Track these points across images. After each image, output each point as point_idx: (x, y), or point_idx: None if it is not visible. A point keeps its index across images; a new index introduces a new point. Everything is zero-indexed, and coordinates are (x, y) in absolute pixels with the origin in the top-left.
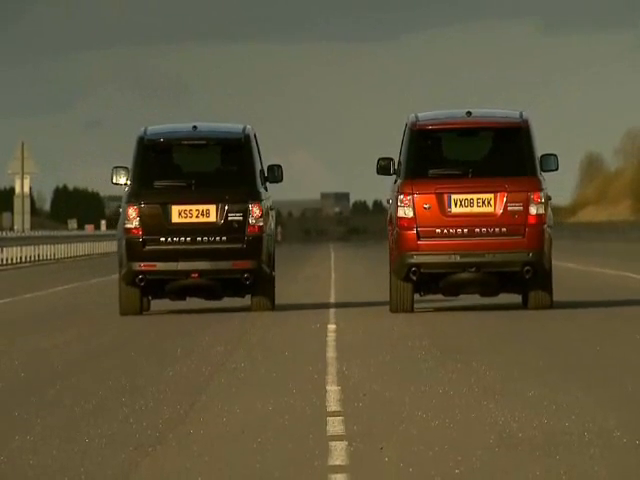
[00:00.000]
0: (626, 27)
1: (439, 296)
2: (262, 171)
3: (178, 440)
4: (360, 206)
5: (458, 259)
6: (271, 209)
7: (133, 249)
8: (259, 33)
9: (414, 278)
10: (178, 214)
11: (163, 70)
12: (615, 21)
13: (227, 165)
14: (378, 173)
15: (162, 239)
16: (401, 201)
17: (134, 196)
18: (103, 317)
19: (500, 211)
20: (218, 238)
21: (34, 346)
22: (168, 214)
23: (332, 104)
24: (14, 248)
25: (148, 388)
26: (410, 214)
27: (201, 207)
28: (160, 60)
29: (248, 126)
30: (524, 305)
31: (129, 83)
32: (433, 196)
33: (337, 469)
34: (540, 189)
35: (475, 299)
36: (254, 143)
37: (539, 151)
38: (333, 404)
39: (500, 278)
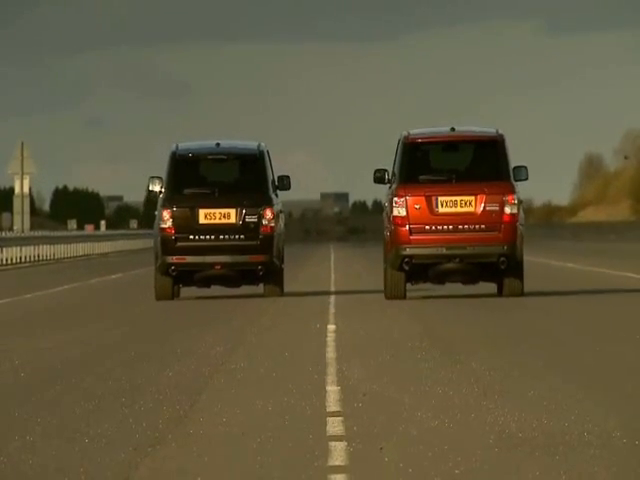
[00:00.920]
0: (626, 27)
1: (428, 285)
2: (273, 181)
3: (178, 440)
4: (360, 206)
5: (444, 251)
6: (281, 212)
7: (167, 245)
8: (260, 33)
9: (407, 268)
10: (204, 216)
11: (164, 70)
12: (615, 21)
13: (244, 176)
14: (374, 182)
15: (191, 237)
16: (396, 202)
17: (168, 201)
18: (103, 318)
19: (480, 211)
20: (237, 236)
21: (34, 346)
22: (196, 216)
23: (332, 104)
24: (14, 248)
25: (148, 388)
26: (403, 213)
27: (223, 211)
28: (161, 60)
29: (262, 143)
30: (499, 293)
31: (130, 83)
32: (423, 198)
33: (337, 469)
34: (513, 192)
35: (458, 289)
36: (267, 157)
37: (512, 163)
38: (333, 404)
39: (479, 268)
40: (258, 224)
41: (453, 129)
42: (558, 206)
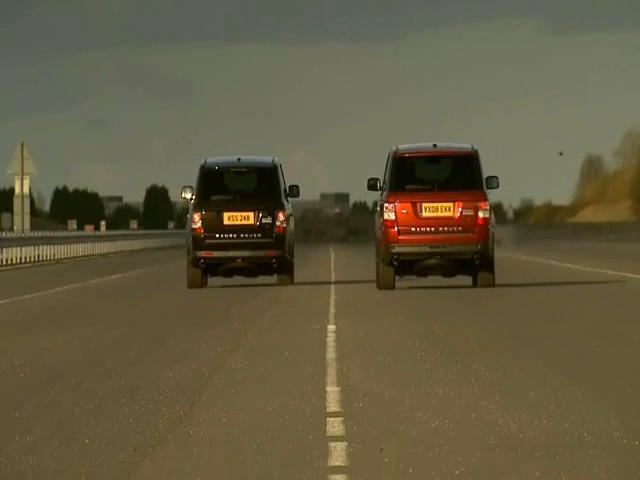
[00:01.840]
0: (627, 28)
1: (414, 277)
2: (285, 189)
3: (178, 441)
4: (360, 207)
5: (427, 249)
6: (291, 215)
7: (197, 242)
8: (261, 34)
9: (395, 263)
10: (227, 218)
11: (165, 70)
12: (615, 22)
13: (261, 185)
14: (368, 189)
15: (217, 235)
16: (386, 207)
17: (198, 206)
18: (103, 318)
19: (457, 215)
20: (255, 235)
21: (34, 346)
22: (221, 218)
23: (332, 105)
24: (14, 249)
25: (148, 388)
26: (393, 217)
27: (243, 214)
28: (162, 60)
29: (276, 158)
30: (474, 284)
31: (130, 83)
32: (409, 204)
33: (337, 470)
34: (485, 199)
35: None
36: (280, 170)
37: (485, 173)
38: (333, 405)
39: (457, 263)
40: (272, 225)
41: (435, 145)
42: (558, 206)
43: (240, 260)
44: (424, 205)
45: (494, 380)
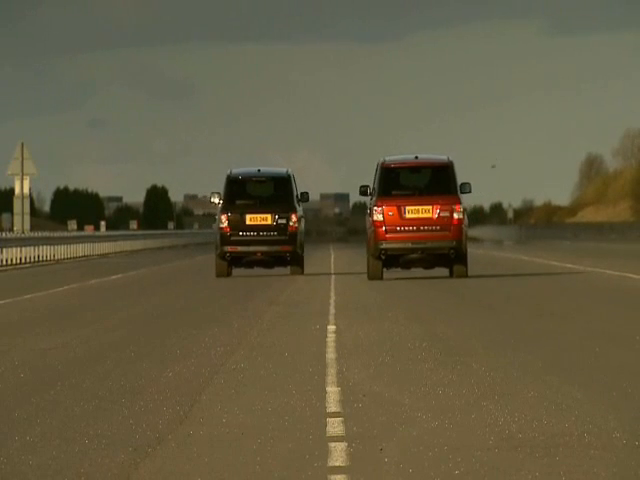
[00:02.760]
0: (627, 28)
1: (399, 269)
2: (297, 195)
3: (178, 441)
4: (360, 207)
5: (410, 245)
6: (302, 217)
7: (224, 239)
8: (263, 34)
9: (383, 257)
10: (249, 219)
11: (167, 70)
12: (615, 22)
13: (277, 192)
14: (359, 194)
15: (240, 233)
16: (376, 210)
17: (225, 209)
18: (103, 319)
19: (435, 216)
20: (272, 233)
21: (34, 346)
22: (244, 219)
23: (333, 105)
24: (14, 249)
25: (148, 388)
26: (381, 218)
27: (262, 215)
28: (164, 60)
29: (289, 169)
30: (450, 275)
31: (131, 84)
32: (395, 207)
33: (337, 470)
34: (460, 203)
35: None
36: (292, 179)
37: (459, 180)
38: (333, 405)
39: (436, 257)
40: (286, 225)
41: (417, 157)
42: (558, 206)
43: (259, 254)
44: (407, 208)
45: (494, 380)
